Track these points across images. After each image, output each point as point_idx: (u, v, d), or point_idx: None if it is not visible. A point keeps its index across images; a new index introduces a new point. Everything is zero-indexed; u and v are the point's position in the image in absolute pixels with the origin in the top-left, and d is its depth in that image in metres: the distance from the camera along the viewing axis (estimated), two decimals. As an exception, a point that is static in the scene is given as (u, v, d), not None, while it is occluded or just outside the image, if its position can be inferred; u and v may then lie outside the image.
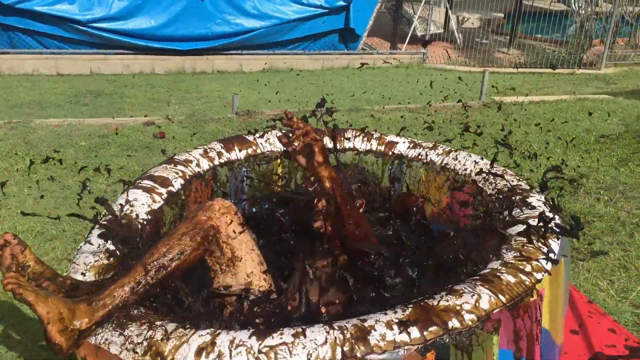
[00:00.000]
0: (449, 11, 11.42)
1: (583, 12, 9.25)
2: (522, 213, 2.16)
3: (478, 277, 1.64)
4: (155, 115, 5.45)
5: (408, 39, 10.07)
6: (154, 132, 4.52)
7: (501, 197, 2.37)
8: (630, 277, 2.86)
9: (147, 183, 2.38)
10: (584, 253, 3.05)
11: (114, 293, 1.51)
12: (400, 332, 1.37)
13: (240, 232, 1.85)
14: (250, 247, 1.87)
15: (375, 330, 1.36)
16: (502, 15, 12.39)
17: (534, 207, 2.20)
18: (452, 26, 11.43)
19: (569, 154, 4.39)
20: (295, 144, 1.62)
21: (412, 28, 10.38)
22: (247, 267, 1.85)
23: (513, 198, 2.32)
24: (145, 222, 2.15)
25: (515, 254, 1.75)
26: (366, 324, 1.38)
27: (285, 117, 1.62)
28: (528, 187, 2.39)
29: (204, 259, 1.83)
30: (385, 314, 1.42)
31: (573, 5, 9.71)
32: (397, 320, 1.40)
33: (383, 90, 7.22)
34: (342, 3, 8.52)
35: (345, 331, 1.36)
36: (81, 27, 7.47)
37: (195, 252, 1.70)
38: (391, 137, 3.03)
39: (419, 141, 3.01)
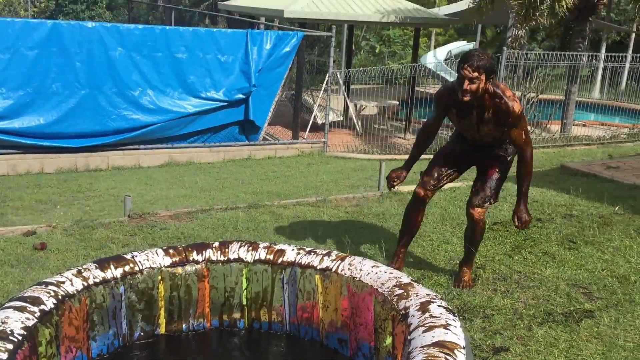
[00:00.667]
0: (347, 99, 11.84)
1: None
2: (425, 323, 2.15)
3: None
4: (41, 220, 5.08)
5: (309, 127, 10.26)
6: (34, 243, 4.17)
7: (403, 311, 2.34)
8: (531, 373, 2.83)
9: (17, 303, 2.29)
10: (486, 351, 3.01)
11: None
12: None
13: None
14: None
15: None
16: (397, 103, 13.02)
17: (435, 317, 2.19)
18: (351, 114, 11.83)
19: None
20: None
21: (313, 116, 10.63)
22: None
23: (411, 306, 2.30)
24: (21, 338, 2.08)
25: None
26: None
27: None
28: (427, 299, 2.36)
29: None
30: None
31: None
32: None
33: (285, 182, 7.20)
34: (241, 96, 8.60)
35: None
36: (-39, 128, 7.04)
37: None
38: (280, 246, 2.93)
39: (311, 248, 2.94)
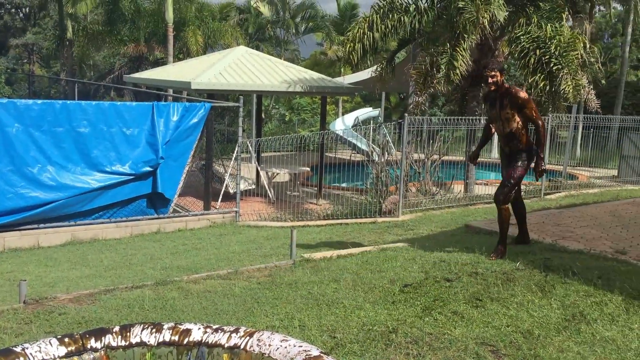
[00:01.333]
0: (258, 167, 11.90)
1: (378, 162, 10.16)
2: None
3: None
4: None
5: (221, 196, 10.17)
6: None
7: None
8: None
9: None
10: (401, 419, 2.98)
11: None
12: None
13: None
14: None
15: None
16: (309, 169, 13.22)
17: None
18: (263, 182, 11.86)
19: (378, 308, 4.48)
20: None
21: (225, 185, 10.56)
22: None
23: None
24: None
25: None
26: None
27: None
28: None
29: None
30: None
31: (372, 155, 10.68)
32: None
33: (196, 255, 7.02)
34: (148, 169, 8.43)
35: None
36: None
37: None
38: (186, 325, 2.81)
39: (218, 325, 2.84)
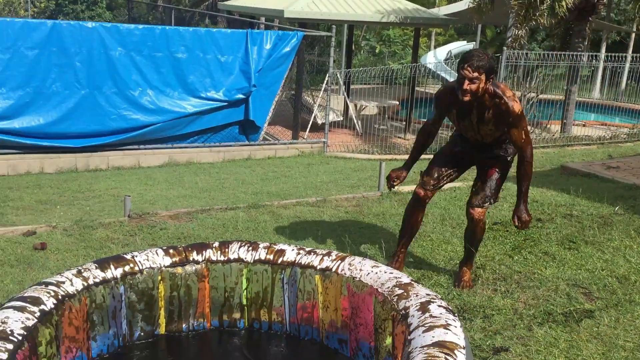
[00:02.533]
0: (347, 99, 11.84)
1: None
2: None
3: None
4: (42, 220, 5.08)
5: (309, 127, 10.26)
6: (34, 243, 4.17)
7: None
8: (531, 374, 2.82)
9: (17, 303, 2.28)
10: (486, 351, 3.01)
11: None
12: None
13: None
14: None
15: None
16: (397, 103, 13.01)
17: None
18: (351, 114, 11.82)
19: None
20: None
21: (313, 116, 10.62)
22: None
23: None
24: (21, 338, 2.07)
25: None
26: None
27: None
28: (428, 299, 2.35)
29: None
30: None
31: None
32: None
33: (285, 182, 7.20)
34: (241, 96, 8.59)
35: None
36: (-39, 128, 7.05)
37: None
38: (280, 246, 2.93)
39: (310, 248, 2.93)
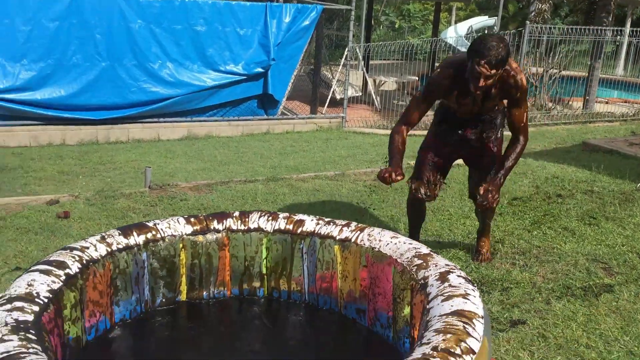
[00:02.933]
0: (366, 75, 11.76)
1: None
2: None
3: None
4: (63, 190, 5.15)
5: (328, 102, 10.23)
6: (58, 212, 4.24)
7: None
8: (549, 346, 2.83)
9: (43, 267, 2.31)
10: (503, 323, 3.02)
11: None
12: None
13: None
14: None
15: None
16: (417, 78, 12.90)
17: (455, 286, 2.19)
18: (370, 89, 11.75)
19: (484, 217, 4.45)
20: None
21: (331, 91, 10.58)
22: None
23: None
24: (47, 301, 2.10)
25: (443, 337, 1.78)
26: None
27: None
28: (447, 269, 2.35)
29: None
30: None
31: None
32: None
33: (303, 156, 7.21)
34: (260, 70, 8.57)
35: None
36: (-16, 99, 7.13)
37: None
38: (300, 216, 2.95)
39: (330, 219, 2.95)
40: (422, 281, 2.35)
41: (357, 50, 11.13)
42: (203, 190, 4.96)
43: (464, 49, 11.03)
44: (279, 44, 8.62)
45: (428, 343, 1.81)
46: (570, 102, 11.60)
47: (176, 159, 6.98)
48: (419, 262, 2.47)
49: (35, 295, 2.13)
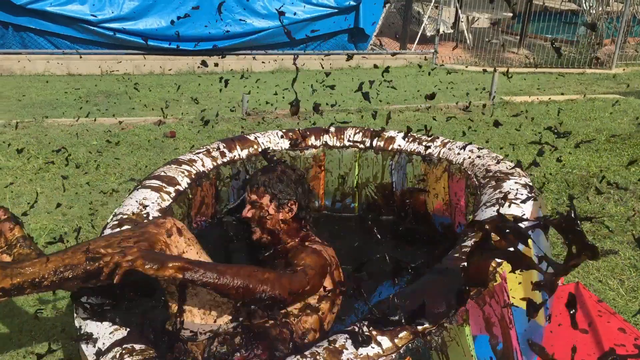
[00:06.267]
0: (459, 11, 11.40)
1: (594, 11, 9.20)
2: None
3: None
4: (167, 115, 5.48)
5: (418, 38, 10.05)
6: (165, 132, 4.55)
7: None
8: (640, 276, 2.84)
9: (155, 182, 2.41)
10: (593, 252, 3.03)
11: (34, 267, 1.46)
12: (372, 346, 1.37)
13: (197, 253, 1.71)
14: None
15: (346, 349, 1.36)
16: (512, 15, 12.35)
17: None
18: (462, 26, 11.40)
19: (579, 153, 4.37)
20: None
21: (422, 28, 10.37)
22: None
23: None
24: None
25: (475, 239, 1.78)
26: (337, 345, 1.37)
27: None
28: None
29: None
30: (354, 329, 1.40)
31: (584, 5, 9.66)
32: (366, 334, 1.38)
33: (392, 90, 7.21)
34: (352, 3, 8.52)
35: (317, 357, 1.34)
36: (92, 27, 7.53)
37: None
38: (390, 133, 3.05)
39: (417, 135, 3.02)
40: (480, 190, 2.38)
41: (451, -16, 10.77)
42: (297, 117, 5.13)
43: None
44: (371, -23, 8.52)
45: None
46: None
47: (268, 90, 7.17)
48: (485, 172, 2.51)
49: (145, 216, 2.14)
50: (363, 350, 1.35)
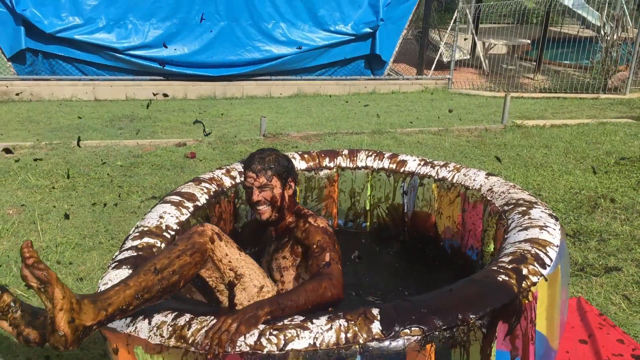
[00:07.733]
0: (475, 37, 11.58)
1: (609, 37, 9.30)
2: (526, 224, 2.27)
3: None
4: (187, 138, 5.69)
5: (434, 64, 10.23)
6: (185, 153, 4.74)
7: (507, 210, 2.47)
8: (643, 292, 2.91)
9: (175, 198, 2.57)
10: (597, 269, 3.12)
11: (119, 295, 1.52)
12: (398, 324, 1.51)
13: (237, 252, 1.95)
14: (250, 262, 1.99)
15: (377, 320, 1.49)
16: (529, 42, 12.50)
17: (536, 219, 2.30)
18: (479, 52, 11.57)
19: (588, 175, 4.46)
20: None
21: (439, 54, 10.55)
22: (252, 280, 1.96)
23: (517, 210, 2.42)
24: (174, 233, 2.31)
25: (511, 258, 1.87)
26: (368, 315, 1.52)
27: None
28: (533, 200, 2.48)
29: (204, 281, 1.94)
30: (387, 305, 1.56)
31: (601, 31, 9.77)
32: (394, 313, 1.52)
33: (407, 115, 7.37)
34: (369, 30, 8.75)
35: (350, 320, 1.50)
36: (118, 55, 7.84)
37: (193, 269, 1.77)
38: (402, 156, 3.17)
39: (430, 159, 3.15)
40: (505, 215, 2.49)
41: (467, 11, 10.97)
42: (312, 139, 5.30)
43: (582, 12, 10.44)
44: (388, 5, 8.75)
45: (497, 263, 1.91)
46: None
47: (286, 114, 7.38)
48: (508, 199, 2.62)
49: (164, 228, 2.29)
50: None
